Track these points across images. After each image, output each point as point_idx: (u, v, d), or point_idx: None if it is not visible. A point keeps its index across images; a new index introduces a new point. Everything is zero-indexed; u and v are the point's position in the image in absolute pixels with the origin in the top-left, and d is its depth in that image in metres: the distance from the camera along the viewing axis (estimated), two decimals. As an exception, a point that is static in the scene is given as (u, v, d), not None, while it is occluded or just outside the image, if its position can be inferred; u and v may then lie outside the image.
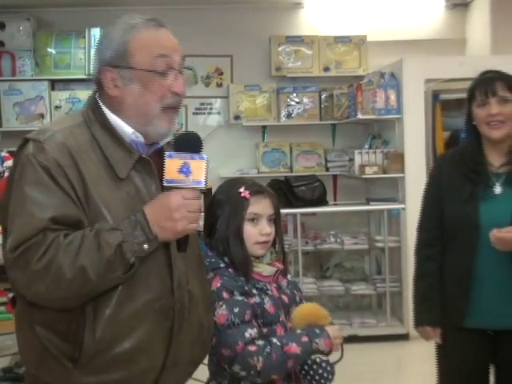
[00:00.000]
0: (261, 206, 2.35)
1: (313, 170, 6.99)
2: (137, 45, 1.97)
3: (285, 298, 2.37)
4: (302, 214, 6.33)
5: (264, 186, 2.45)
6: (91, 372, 1.89)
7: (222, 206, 2.34)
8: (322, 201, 6.39)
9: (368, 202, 6.49)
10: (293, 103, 7.08)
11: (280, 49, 7.09)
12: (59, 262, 1.78)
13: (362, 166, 6.25)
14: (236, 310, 2.20)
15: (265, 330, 2.25)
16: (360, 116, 6.31)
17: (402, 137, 6.05)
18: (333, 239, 6.40)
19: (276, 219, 2.40)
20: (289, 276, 2.48)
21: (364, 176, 6.28)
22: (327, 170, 7.10)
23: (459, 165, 2.97)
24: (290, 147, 7.09)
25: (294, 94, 7.07)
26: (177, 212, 1.85)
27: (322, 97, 7.10)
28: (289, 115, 7.09)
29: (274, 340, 2.22)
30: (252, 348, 2.18)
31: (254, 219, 2.33)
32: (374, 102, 6.11)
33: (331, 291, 6.38)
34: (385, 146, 6.49)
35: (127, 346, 1.90)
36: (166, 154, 1.88)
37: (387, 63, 6.39)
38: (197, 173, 1.85)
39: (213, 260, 2.32)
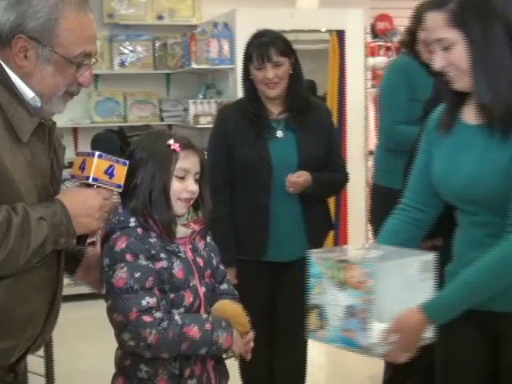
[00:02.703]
0: (190, 162, 2.23)
1: (147, 119, 6.93)
2: (65, 27, 1.84)
3: (200, 260, 2.23)
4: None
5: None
6: None
7: (145, 162, 2.15)
8: (156, 151, 6.37)
9: (202, 152, 6.53)
10: (126, 51, 6.95)
11: (112, -5, 6.92)
12: None
13: (197, 116, 6.30)
14: (137, 275, 2.06)
15: (172, 296, 2.12)
16: (194, 65, 6.32)
17: (235, 87, 6.10)
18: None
19: (201, 177, 2.28)
20: (208, 238, 2.34)
21: (198, 126, 6.33)
22: (162, 119, 7.07)
23: (243, 111, 3.26)
24: (124, 96, 6.97)
25: (128, 43, 6.94)
26: (98, 211, 1.91)
27: (156, 46, 7.02)
28: (122, 64, 6.96)
29: (177, 317, 2.08)
30: (147, 318, 2.04)
31: (182, 176, 2.19)
32: (207, 52, 6.13)
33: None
34: (219, 96, 6.55)
35: (21, 315, 1.87)
36: (97, 153, 1.92)
37: (220, 13, 6.41)
38: (119, 176, 1.96)
39: (122, 218, 2.15)
